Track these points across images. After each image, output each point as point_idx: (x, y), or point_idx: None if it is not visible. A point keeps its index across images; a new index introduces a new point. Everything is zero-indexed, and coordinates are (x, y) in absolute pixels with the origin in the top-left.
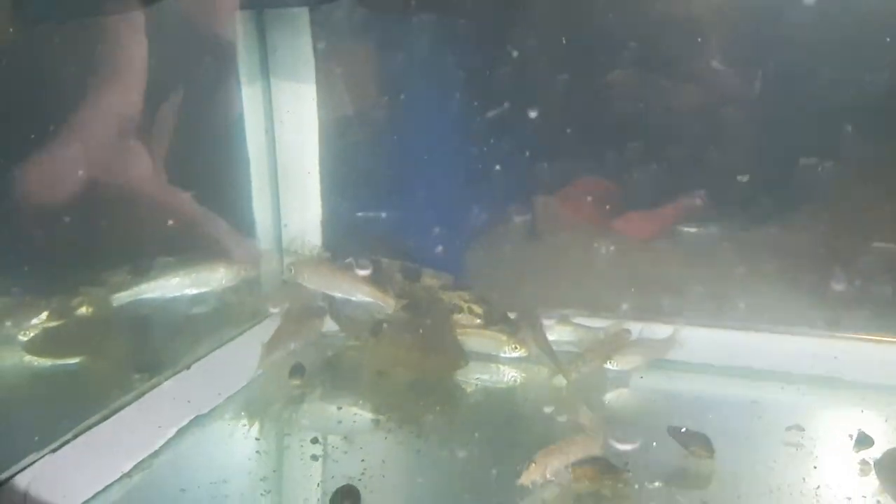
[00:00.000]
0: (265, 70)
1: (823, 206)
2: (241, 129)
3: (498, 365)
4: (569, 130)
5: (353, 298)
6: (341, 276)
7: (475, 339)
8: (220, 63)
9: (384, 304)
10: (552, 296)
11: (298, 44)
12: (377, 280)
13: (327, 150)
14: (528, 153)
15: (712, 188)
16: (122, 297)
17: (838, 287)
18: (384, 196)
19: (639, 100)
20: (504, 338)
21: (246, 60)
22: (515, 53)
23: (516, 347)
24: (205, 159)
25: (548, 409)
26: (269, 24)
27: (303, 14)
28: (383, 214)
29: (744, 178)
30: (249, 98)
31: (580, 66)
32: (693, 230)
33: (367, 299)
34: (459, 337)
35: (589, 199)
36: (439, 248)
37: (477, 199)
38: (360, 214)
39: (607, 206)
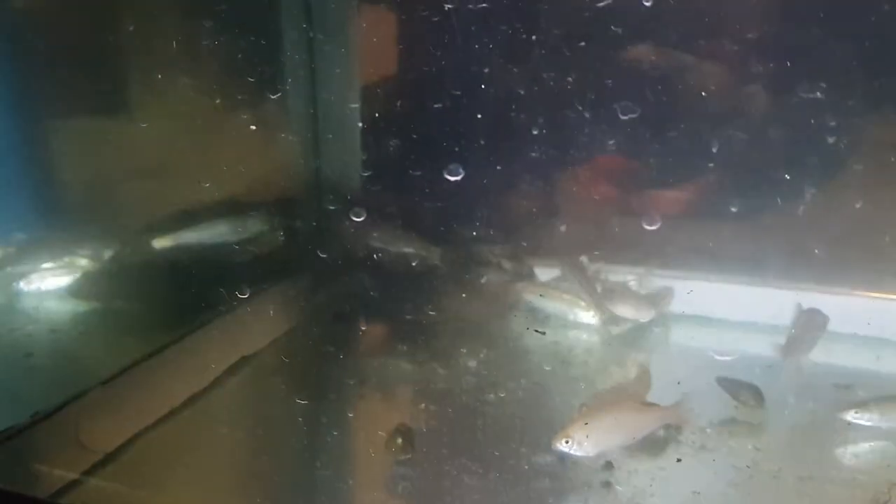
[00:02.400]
0: (308, 19)
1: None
2: (281, 73)
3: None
4: (597, 106)
5: (393, 249)
6: (381, 226)
7: (552, 302)
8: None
9: (427, 253)
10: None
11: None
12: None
13: (368, 102)
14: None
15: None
16: (162, 242)
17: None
18: (421, 150)
19: (661, 77)
20: (582, 303)
21: (288, 8)
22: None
23: (594, 314)
24: (246, 103)
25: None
26: None
27: None
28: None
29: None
30: (290, 46)
31: (605, 38)
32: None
33: (409, 249)
34: (537, 298)
35: (610, 175)
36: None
37: (510, 162)
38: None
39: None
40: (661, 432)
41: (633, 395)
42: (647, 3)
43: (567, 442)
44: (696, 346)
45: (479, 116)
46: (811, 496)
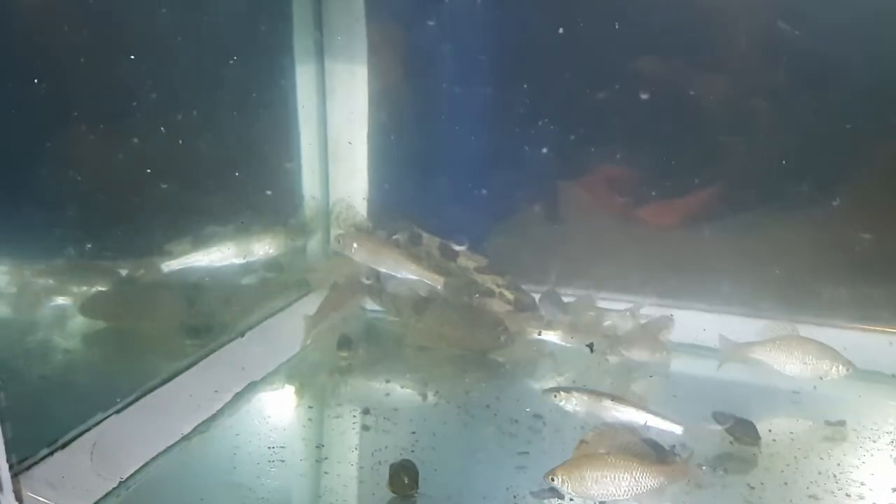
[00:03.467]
0: (319, 49)
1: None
2: (294, 103)
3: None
4: (596, 119)
5: (399, 275)
6: (388, 251)
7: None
8: (276, 41)
9: (432, 281)
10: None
11: (353, 26)
12: (416, 255)
13: (374, 127)
14: (558, 139)
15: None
16: (172, 265)
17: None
18: (426, 174)
19: (664, 90)
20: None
21: (301, 40)
22: (554, 40)
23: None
24: (259, 132)
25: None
26: (326, 5)
27: None
28: (424, 191)
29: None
30: (303, 74)
31: (609, 54)
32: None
33: (414, 277)
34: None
35: (611, 186)
36: (473, 226)
37: (509, 182)
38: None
39: (629, 194)
40: None
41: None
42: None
43: (553, 479)
44: (693, 375)
45: (480, 149)
46: None
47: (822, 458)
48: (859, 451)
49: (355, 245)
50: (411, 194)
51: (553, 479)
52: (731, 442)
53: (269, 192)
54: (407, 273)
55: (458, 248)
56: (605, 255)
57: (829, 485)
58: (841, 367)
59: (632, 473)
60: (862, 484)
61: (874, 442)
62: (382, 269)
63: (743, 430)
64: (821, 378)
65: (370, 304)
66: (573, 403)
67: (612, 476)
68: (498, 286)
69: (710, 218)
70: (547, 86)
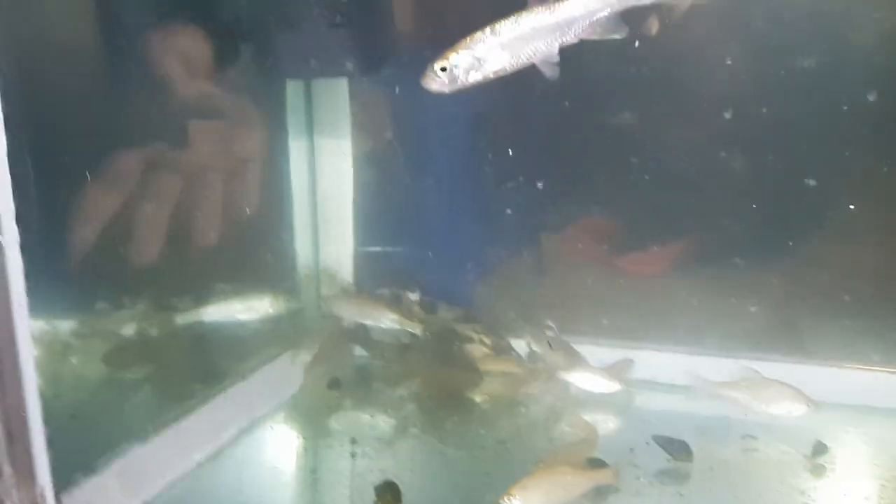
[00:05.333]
0: (310, 128)
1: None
2: (288, 176)
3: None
4: (578, 171)
5: (382, 325)
6: (371, 305)
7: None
8: (274, 119)
9: (411, 328)
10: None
11: (338, 106)
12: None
13: (360, 196)
14: (539, 194)
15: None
16: (186, 318)
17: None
18: (407, 237)
19: (645, 142)
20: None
21: (294, 119)
22: (529, 102)
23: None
24: (258, 203)
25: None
26: (315, 90)
27: (342, 82)
28: (405, 251)
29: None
30: (295, 151)
31: (590, 108)
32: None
33: (396, 325)
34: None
35: (594, 237)
36: (457, 282)
37: (491, 238)
38: (382, 251)
39: (612, 245)
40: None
41: (582, 452)
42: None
43: (507, 498)
44: (643, 408)
45: (460, 209)
46: None
47: (747, 476)
48: (778, 470)
49: (341, 304)
50: (397, 255)
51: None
52: (668, 459)
53: (269, 256)
54: (389, 322)
55: (412, 296)
56: (586, 303)
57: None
58: (800, 405)
59: (567, 481)
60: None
61: (787, 461)
62: (368, 322)
63: (678, 449)
64: (782, 415)
65: (359, 350)
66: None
67: (552, 486)
68: (476, 332)
69: (685, 268)
70: (527, 145)
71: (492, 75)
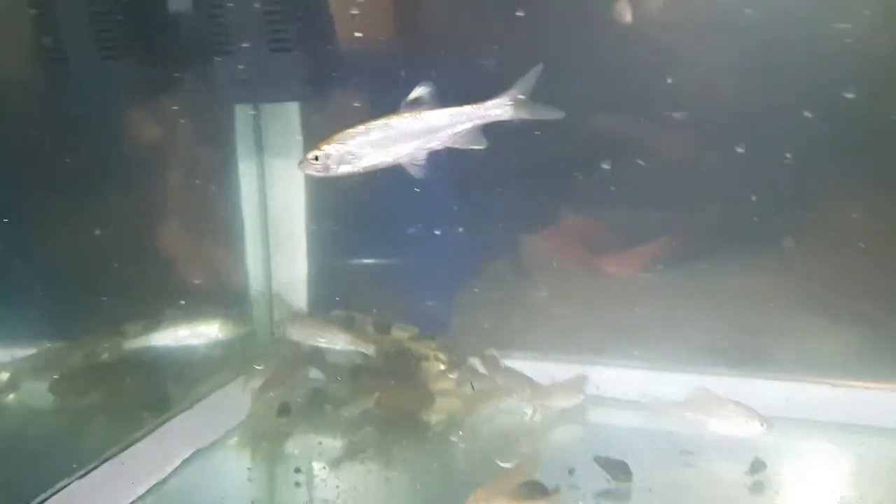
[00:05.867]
0: (260, 151)
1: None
2: (238, 199)
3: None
4: (553, 175)
5: (336, 347)
6: (324, 327)
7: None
8: (222, 143)
9: (365, 349)
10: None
11: (288, 127)
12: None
13: (312, 215)
14: (508, 208)
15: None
16: (134, 343)
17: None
18: (364, 255)
19: (624, 142)
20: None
21: (243, 143)
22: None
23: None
24: (207, 223)
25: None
26: (264, 113)
27: (293, 105)
28: (361, 270)
29: None
30: (246, 174)
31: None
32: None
33: (350, 347)
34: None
35: (573, 238)
36: (416, 301)
37: (452, 255)
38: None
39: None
40: None
41: (521, 476)
42: None
43: None
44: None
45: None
46: None
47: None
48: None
49: (294, 328)
50: (352, 276)
51: None
52: (608, 480)
53: (219, 279)
54: (342, 344)
55: (361, 317)
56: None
57: None
58: (755, 424)
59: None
60: None
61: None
62: (321, 344)
63: (617, 469)
64: (737, 435)
65: (315, 373)
66: None
67: None
68: (431, 350)
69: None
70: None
71: (361, 169)
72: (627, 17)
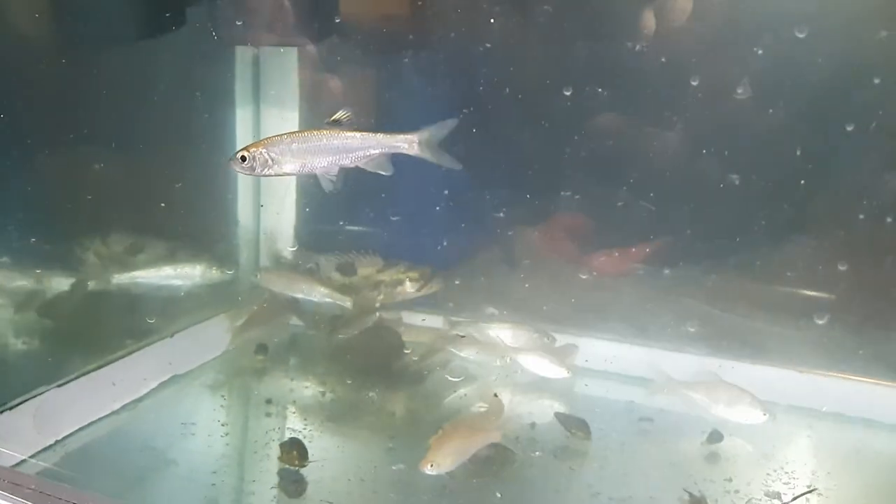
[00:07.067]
0: (257, 95)
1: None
2: (233, 142)
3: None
4: (549, 166)
5: (314, 298)
6: (301, 279)
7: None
8: (221, 87)
9: (341, 301)
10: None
11: (286, 75)
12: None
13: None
14: (504, 185)
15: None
16: (120, 278)
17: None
18: (355, 207)
19: (621, 143)
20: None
21: (241, 87)
22: (493, 94)
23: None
24: (201, 166)
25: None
26: (263, 57)
27: (292, 52)
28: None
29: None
30: (241, 118)
31: (562, 104)
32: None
33: (326, 300)
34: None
35: (565, 233)
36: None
37: (447, 227)
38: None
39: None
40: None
41: (485, 422)
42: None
43: (431, 466)
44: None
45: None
46: None
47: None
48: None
49: (273, 278)
50: (339, 224)
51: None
52: (567, 436)
53: (209, 220)
54: (319, 296)
55: (290, 249)
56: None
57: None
58: (758, 412)
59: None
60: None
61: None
62: (299, 295)
63: (577, 426)
64: (739, 421)
65: (295, 320)
66: None
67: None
68: (401, 274)
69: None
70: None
71: (282, 173)
72: (651, 27)
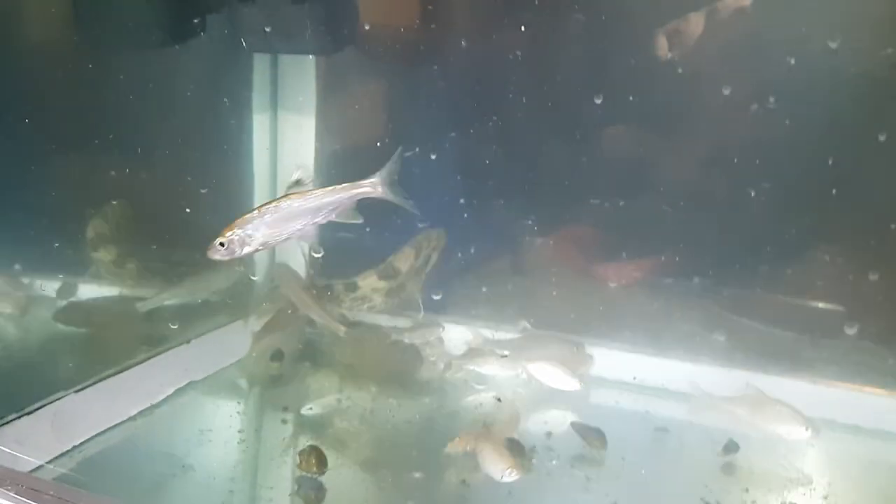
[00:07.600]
0: (274, 102)
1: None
2: (250, 149)
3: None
4: (560, 176)
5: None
6: (305, 299)
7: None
8: (239, 94)
9: (336, 330)
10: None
11: (304, 83)
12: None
13: (320, 171)
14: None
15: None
16: (146, 304)
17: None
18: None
19: (632, 155)
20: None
21: (259, 94)
22: (509, 106)
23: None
24: (219, 171)
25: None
26: (281, 65)
27: (310, 60)
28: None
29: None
30: (259, 124)
31: (576, 115)
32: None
33: (321, 322)
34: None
35: (575, 244)
36: None
37: (464, 237)
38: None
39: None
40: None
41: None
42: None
43: (510, 472)
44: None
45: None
46: None
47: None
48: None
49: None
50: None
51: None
52: (583, 446)
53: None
54: (317, 318)
55: (315, 255)
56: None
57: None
58: (802, 428)
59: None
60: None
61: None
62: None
63: (593, 435)
64: (781, 436)
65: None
66: None
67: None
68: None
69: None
70: (492, 146)
71: (261, 247)
72: (665, 50)
